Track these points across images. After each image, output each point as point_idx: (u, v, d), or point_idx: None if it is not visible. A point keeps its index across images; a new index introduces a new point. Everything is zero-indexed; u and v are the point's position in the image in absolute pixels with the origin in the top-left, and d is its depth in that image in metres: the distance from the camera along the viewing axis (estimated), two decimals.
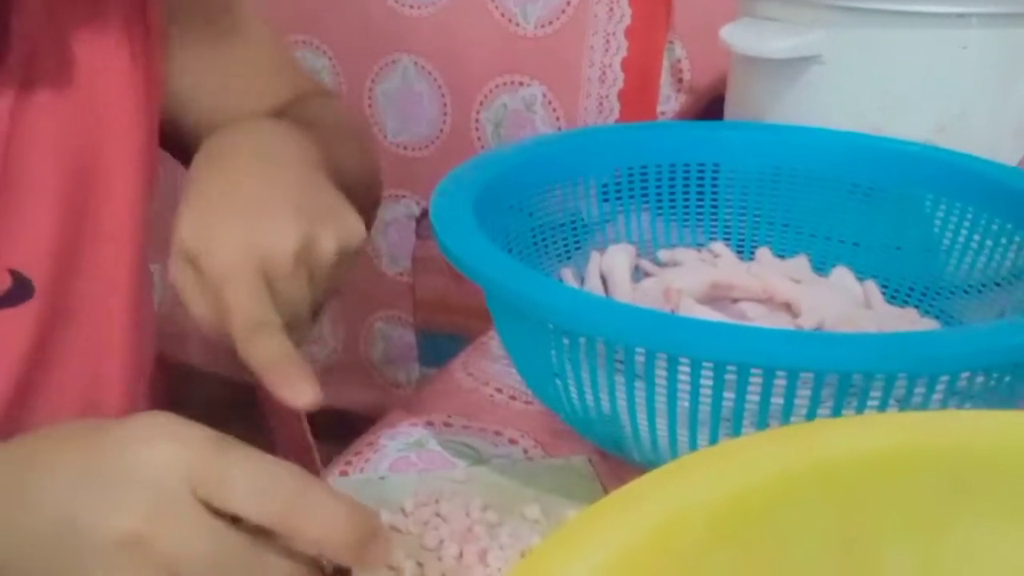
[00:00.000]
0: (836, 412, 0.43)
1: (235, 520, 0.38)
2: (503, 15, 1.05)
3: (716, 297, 0.61)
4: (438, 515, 0.50)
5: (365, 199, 0.69)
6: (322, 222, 0.54)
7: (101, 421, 0.42)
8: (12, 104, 0.56)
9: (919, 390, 0.43)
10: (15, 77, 0.56)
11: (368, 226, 0.62)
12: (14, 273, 0.56)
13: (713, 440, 0.46)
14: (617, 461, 0.54)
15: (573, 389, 0.49)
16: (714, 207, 0.68)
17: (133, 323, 0.64)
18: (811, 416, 0.44)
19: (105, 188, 0.61)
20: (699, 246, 0.68)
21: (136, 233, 0.63)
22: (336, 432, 0.63)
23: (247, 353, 0.49)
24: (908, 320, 0.61)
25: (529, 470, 0.55)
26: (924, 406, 0.43)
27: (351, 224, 0.55)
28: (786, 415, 0.44)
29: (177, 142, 0.69)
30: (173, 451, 0.39)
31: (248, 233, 0.52)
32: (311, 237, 0.53)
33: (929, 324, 0.61)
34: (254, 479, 0.38)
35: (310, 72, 1.18)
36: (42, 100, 0.57)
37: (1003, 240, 0.60)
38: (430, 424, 0.60)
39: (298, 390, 0.47)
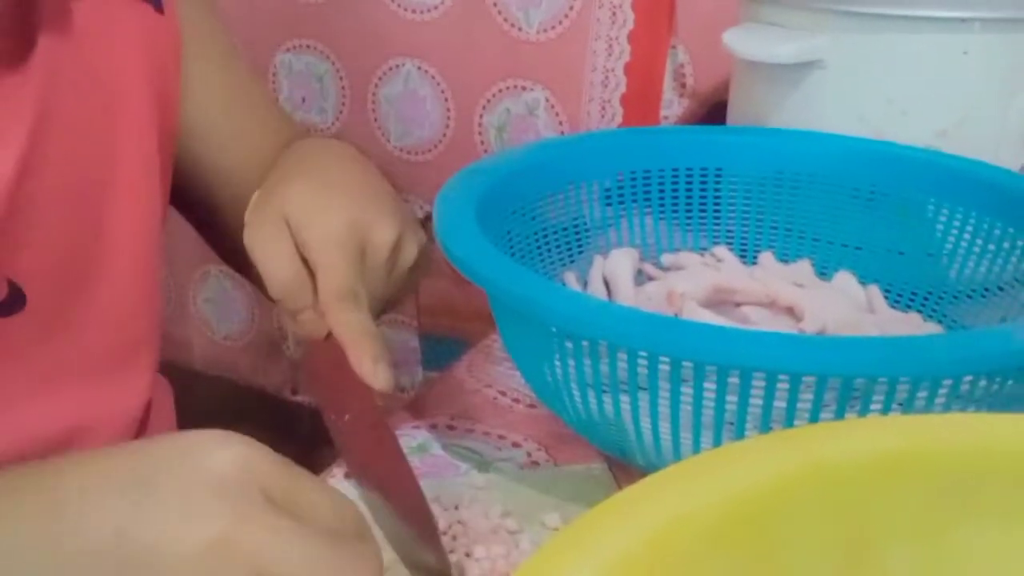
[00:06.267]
0: (839, 416, 0.43)
1: None
2: (506, 20, 1.06)
3: (719, 301, 0.61)
4: (459, 522, 0.50)
5: None
6: (409, 227, 0.57)
7: (141, 440, 0.41)
8: (33, 122, 0.55)
9: (921, 394, 0.43)
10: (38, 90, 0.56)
11: None
12: (11, 284, 0.56)
13: (716, 444, 0.46)
14: (636, 469, 0.54)
15: (576, 393, 0.49)
16: (717, 211, 0.68)
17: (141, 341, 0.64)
18: (814, 420, 0.44)
19: (115, 208, 0.60)
20: (702, 250, 0.68)
21: (146, 256, 0.62)
22: None
23: (333, 317, 0.51)
24: (911, 324, 0.61)
25: (548, 477, 0.55)
26: (927, 410, 0.43)
27: (423, 235, 0.58)
28: (789, 419, 0.44)
29: (186, 189, 0.69)
30: (241, 454, 0.37)
31: (355, 215, 0.54)
32: (402, 237, 0.56)
33: (932, 328, 0.61)
34: (325, 490, 0.38)
35: (314, 77, 1.19)
36: (62, 117, 0.57)
37: (1005, 245, 0.60)
38: (434, 427, 0.60)
39: (378, 371, 0.50)
